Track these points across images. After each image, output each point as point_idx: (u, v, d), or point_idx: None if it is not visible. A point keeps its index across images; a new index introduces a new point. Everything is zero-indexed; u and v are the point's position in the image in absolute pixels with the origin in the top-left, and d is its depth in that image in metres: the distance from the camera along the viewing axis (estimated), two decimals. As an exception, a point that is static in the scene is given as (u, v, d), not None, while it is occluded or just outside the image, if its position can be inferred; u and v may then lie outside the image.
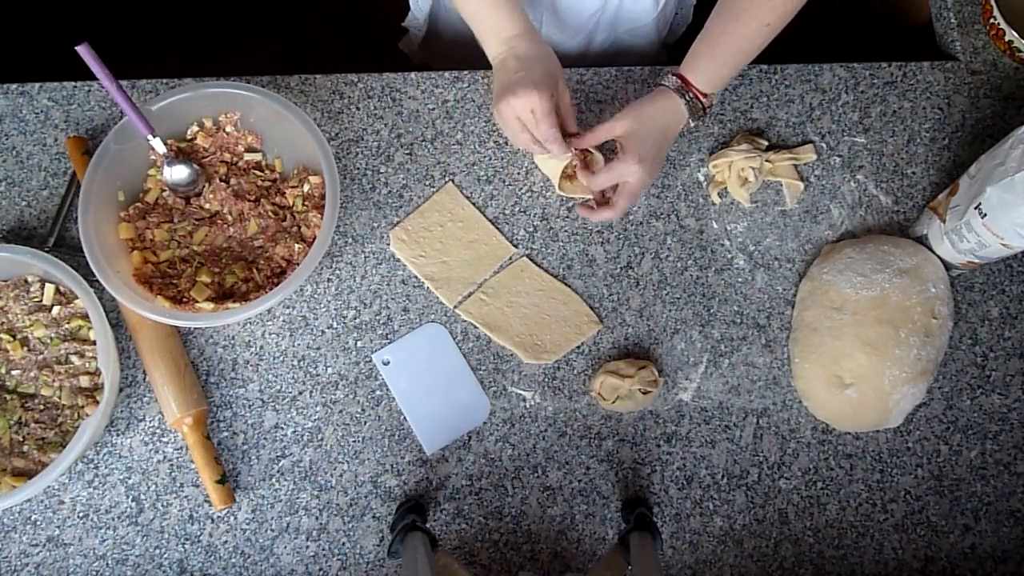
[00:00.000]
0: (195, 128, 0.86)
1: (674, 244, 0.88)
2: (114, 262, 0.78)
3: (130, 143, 0.81)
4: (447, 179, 0.89)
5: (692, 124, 0.82)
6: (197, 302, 0.79)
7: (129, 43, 1.82)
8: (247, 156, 0.87)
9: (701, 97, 0.81)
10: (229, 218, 0.85)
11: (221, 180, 0.85)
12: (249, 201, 0.84)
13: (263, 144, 0.88)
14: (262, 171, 0.87)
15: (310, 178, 0.84)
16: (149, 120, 0.79)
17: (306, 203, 0.84)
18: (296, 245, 0.82)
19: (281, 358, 0.84)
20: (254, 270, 0.83)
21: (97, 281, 0.76)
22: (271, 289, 0.79)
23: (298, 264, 0.80)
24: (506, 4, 0.77)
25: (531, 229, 0.88)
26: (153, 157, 0.84)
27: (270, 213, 0.84)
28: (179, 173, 0.83)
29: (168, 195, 0.85)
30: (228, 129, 0.87)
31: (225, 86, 0.83)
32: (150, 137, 0.80)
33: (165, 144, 0.82)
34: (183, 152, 0.85)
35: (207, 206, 0.85)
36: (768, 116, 0.92)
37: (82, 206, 0.77)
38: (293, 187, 0.85)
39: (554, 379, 0.84)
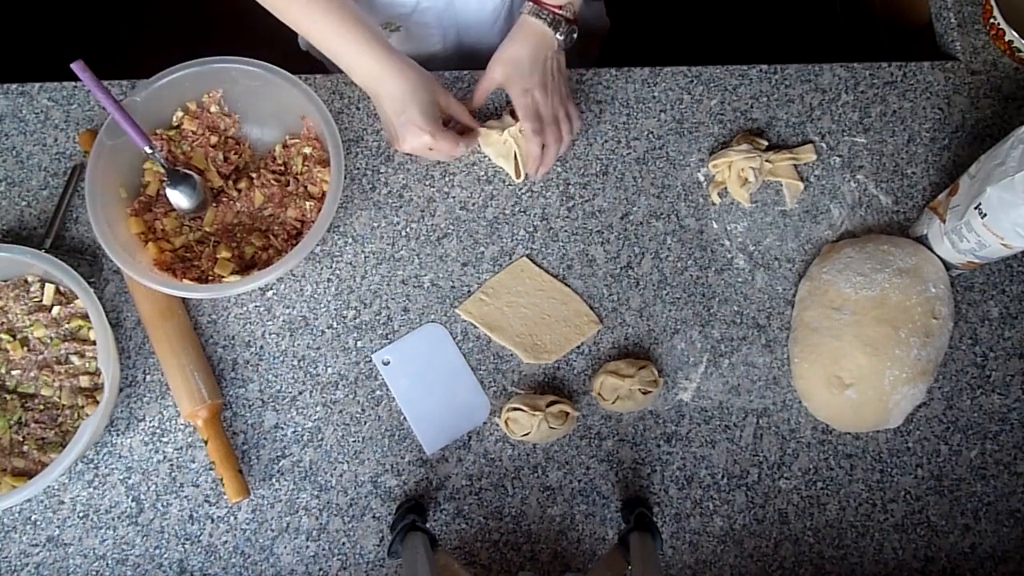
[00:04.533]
0: (180, 114, 0.86)
1: (674, 244, 0.88)
2: (132, 256, 0.79)
3: (123, 137, 0.81)
4: (447, 179, 0.89)
5: (563, 38, 0.84)
6: (223, 277, 0.80)
7: (129, 43, 1.83)
8: (233, 131, 0.88)
9: (556, 11, 0.83)
10: (234, 194, 0.86)
11: (214, 162, 0.86)
12: (248, 176, 0.86)
13: (252, 116, 0.89)
14: (249, 146, 0.89)
15: (308, 141, 0.86)
16: (139, 123, 0.79)
17: (307, 163, 0.86)
18: (307, 203, 0.84)
19: (281, 358, 0.84)
20: (270, 237, 0.84)
21: (96, 281, 0.76)
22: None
23: (313, 222, 0.82)
24: (361, 40, 0.77)
25: (531, 229, 0.88)
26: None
27: (272, 181, 0.85)
28: (181, 198, 0.82)
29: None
30: (212, 109, 0.87)
31: (204, 62, 0.83)
32: (148, 150, 0.79)
33: (160, 150, 0.82)
34: (176, 157, 0.85)
35: (209, 184, 0.86)
36: (768, 116, 0.92)
37: (90, 207, 0.77)
38: (286, 148, 0.87)
39: (554, 379, 0.84)
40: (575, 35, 0.85)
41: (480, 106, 0.88)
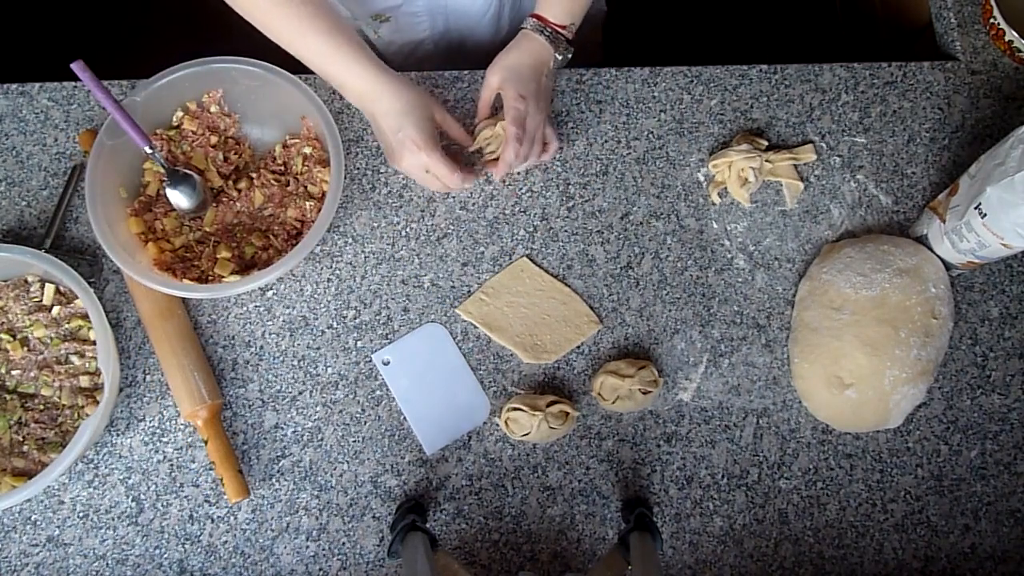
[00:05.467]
0: (180, 114, 0.86)
1: (674, 244, 0.88)
2: (132, 256, 0.79)
3: (123, 136, 0.81)
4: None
5: (560, 57, 0.84)
6: (223, 277, 0.80)
7: (129, 43, 1.82)
8: (233, 131, 0.88)
9: (560, 30, 0.83)
10: (234, 194, 0.86)
11: (214, 162, 0.86)
12: (248, 176, 0.86)
13: (252, 116, 0.89)
14: (249, 146, 0.89)
15: (308, 141, 0.86)
16: (139, 123, 0.79)
17: (307, 163, 0.86)
18: (307, 203, 0.84)
19: (281, 358, 0.84)
20: (270, 237, 0.84)
21: (96, 281, 0.76)
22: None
23: (313, 222, 0.82)
24: (353, 59, 0.76)
25: (531, 229, 0.88)
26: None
27: (272, 181, 0.85)
28: (181, 198, 0.82)
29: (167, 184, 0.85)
30: (212, 109, 0.87)
31: (204, 62, 0.83)
32: (148, 150, 0.79)
33: (160, 150, 0.81)
34: (176, 157, 0.85)
35: (210, 184, 0.86)
36: (768, 116, 0.92)
37: (90, 207, 0.77)
38: (286, 148, 0.87)
39: (554, 379, 0.84)
40: (570, 56, 0.85)
41: (485, 117, 0.87)
